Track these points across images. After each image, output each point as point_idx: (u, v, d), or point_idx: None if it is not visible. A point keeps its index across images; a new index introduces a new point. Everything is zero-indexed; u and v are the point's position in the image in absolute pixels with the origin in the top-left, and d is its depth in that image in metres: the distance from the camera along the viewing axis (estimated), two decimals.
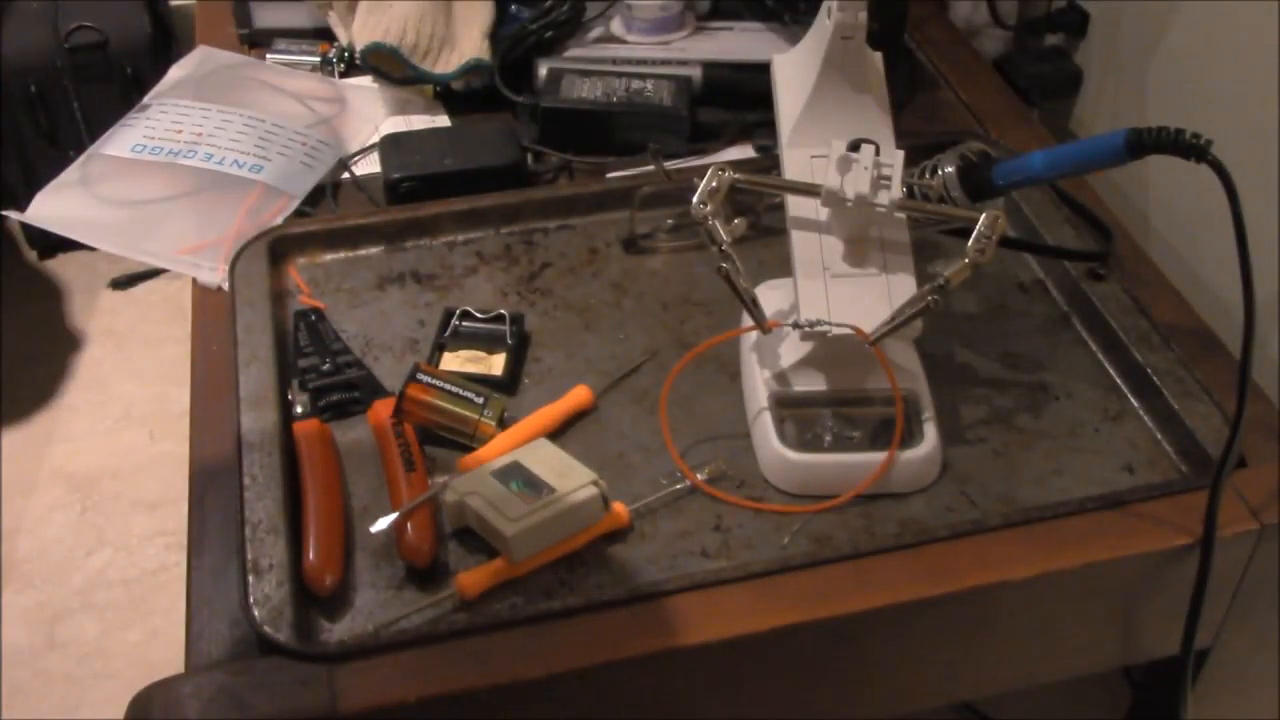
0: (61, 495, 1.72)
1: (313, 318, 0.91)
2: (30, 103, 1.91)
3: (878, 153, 0.80)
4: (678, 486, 0.80)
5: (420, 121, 1.13)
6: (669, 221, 1.01)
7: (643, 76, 1.11)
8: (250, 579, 0.72)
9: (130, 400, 1.86)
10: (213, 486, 0.80)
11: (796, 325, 0.79)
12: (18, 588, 1.59)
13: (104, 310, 2.01)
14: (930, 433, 0.80)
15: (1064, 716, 1.15)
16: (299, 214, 1.02)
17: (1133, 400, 0.87)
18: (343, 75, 1.19)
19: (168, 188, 1.03)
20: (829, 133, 0.82)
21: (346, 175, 1.07)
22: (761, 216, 1.00)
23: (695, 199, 0.78)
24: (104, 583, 1.60)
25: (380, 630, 0.72)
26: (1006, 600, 0.75)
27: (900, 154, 0.81)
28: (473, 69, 1.12)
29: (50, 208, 1.02)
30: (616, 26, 1.19)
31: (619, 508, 0.77)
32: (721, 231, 0.78)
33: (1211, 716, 0.88)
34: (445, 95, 1.16)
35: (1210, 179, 0.74)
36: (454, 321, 0.90)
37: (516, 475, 0.77)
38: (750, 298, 0.79)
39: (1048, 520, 0.76)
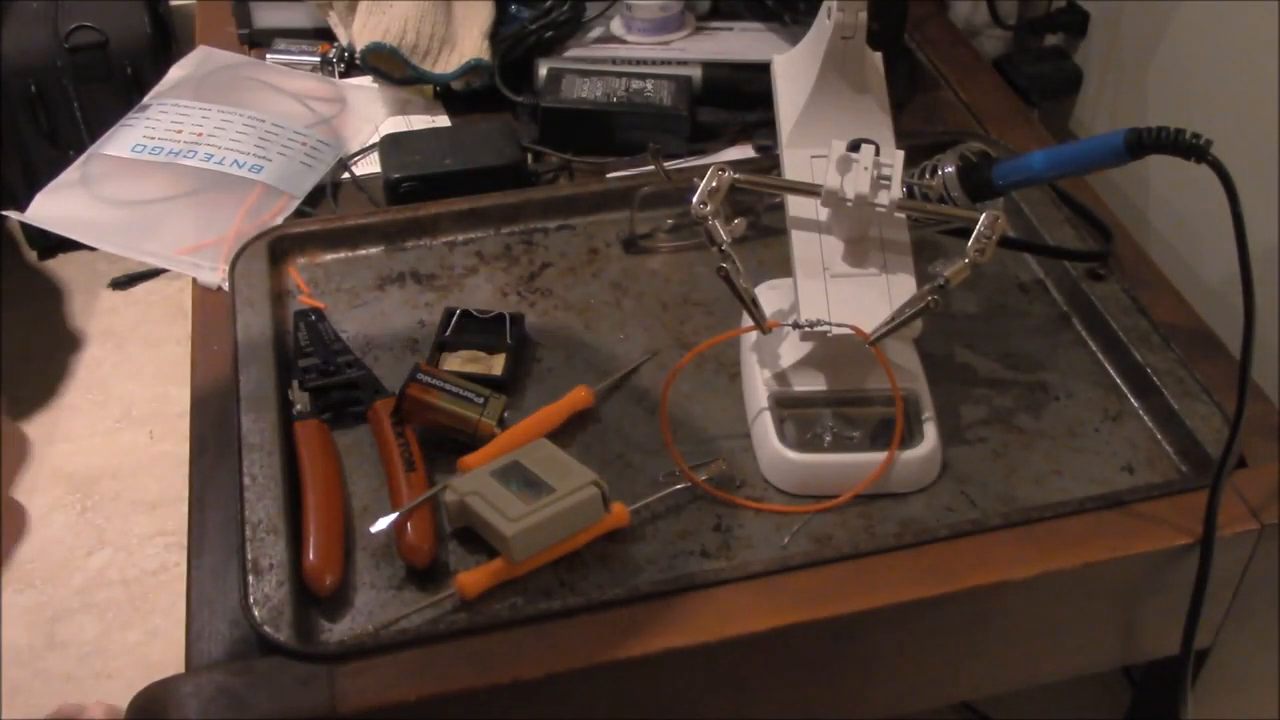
0: (61, 495, 1.71)
1: (313, 318, 0.91)
2: (30, 103, 1.91)
3: (878, 153, 0.80)
4: (678, 486, 0.80)
5: (420, 121, 1.13)
6: (669, 221, 1.01)
7: (643, 76, 1.11)
8: (250, 579, 0.72)
9: (130, 400, 1.86)
10: (213, 486, 0.80)
11: (796, 325, 0.79)
12: (18, 588, 1.59)
13: (104, 310, 2.01)
14: (930, 433, 0.80)
15: (1064, 716, 1.15)
16: (299, 214, 1.02)
17: (1133, 400, 0.87)
18: (343, 75, 1.19)
19: (168, 188, 1.03)
20: (829, 133, 0.82)
21: (346, 175, 1.07)
22: (761, 216, 1.00)
23: (695, 199, 0.78)
24: (104, 583, 1.60)
25: (380, 630, 0.72)
26: (1006, 600, 0.75)
27: (900, 154, 0.81)
28: (473, 69, 1.12)
29: (50, 208, 1.02)
30: (616, 26, 1.19)
31: (619, 508, 0.77)
32: (721, 231, 0.78)
33: (1211, 716, 0.88)
34: (445, 95, 1.16)
35: (1210, 179, 0.73)
36: (454, 321, 0.90)
37: (516, 475, 0.77)
38: (750, 298, 0.79)
39: (1048, 520, 0.76)
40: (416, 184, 1.02)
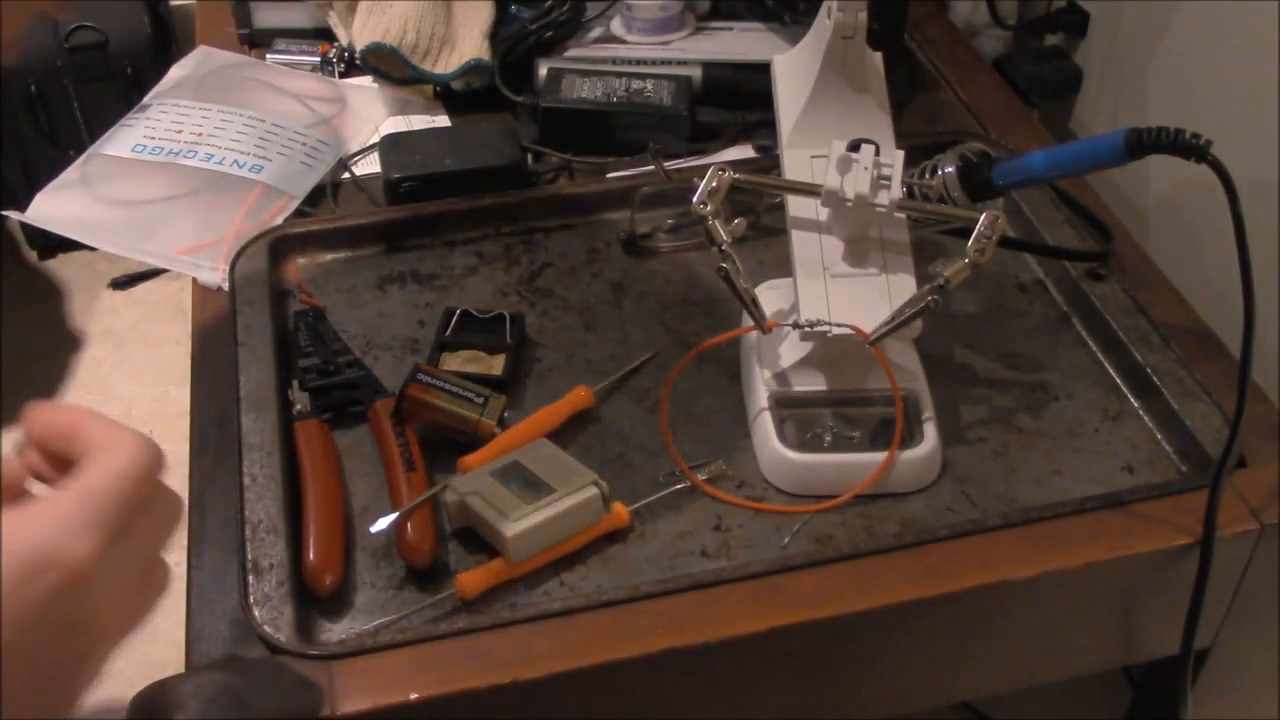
0: None
1: (313, 318, 0.91)
2: (30, 103, 1.91)
3: (878, 153, 0.80)
4: (678, 486, 0.80)
5: (420, 121, 1.13)
6: (669, 221, 1.01)
7: (643, 76, 1.11)
8: (250, 579, 0.72)
9: (130, 400, 1.86)
10: (213, 486, 0.80)
11: (796, 325, 0.79)
12: None
13: (104, 310, 2.01)
14: (930, 433, 0.80)
15: (1064, 716, 1.15)
16: (299, 214, 1.02)
17: (1133, 400, 0.87)
18: (343, 75, 1.19)
19: (168, 188, 1.03)
20: (829, 133, 0.82)
21: (346, 175, 1.07)
22: (761, 216, 1.00)
23: (695, 199, 0.78)
24: None
25: (380, 630, 0.72)
26: (1006, 600, 0.75)
27: (900, 154, 0.81)
28: (473, 69, 1.12)
29: (50, 208, 1.02)
30: (616, 26, 1.19)
31: (619, 508, 0.77)
32: (721, 231, 0.78)
33: (1211, 716, 0.88)
34: (445, 95, 1.16)
35: (1210, 179, 0.73)
36: (454, 321, 0.90)
37: (516, 475, 0.77)
38: (750, 298, 0.79)
39: (1048, 520, 0.76)
40: (416, 184, 1.02)
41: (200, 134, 1.07)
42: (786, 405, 0.82)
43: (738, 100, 1.11)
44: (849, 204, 0.79)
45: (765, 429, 0.81)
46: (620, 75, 1.11)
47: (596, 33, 1.19)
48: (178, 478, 0.57)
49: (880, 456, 0.79)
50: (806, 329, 0.79)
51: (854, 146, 0.80)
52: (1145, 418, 0.85)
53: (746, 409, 0.85)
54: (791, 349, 0.82)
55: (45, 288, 2.05)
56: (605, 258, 0.99)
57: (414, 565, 0.75)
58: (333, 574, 0.74)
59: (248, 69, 1.19)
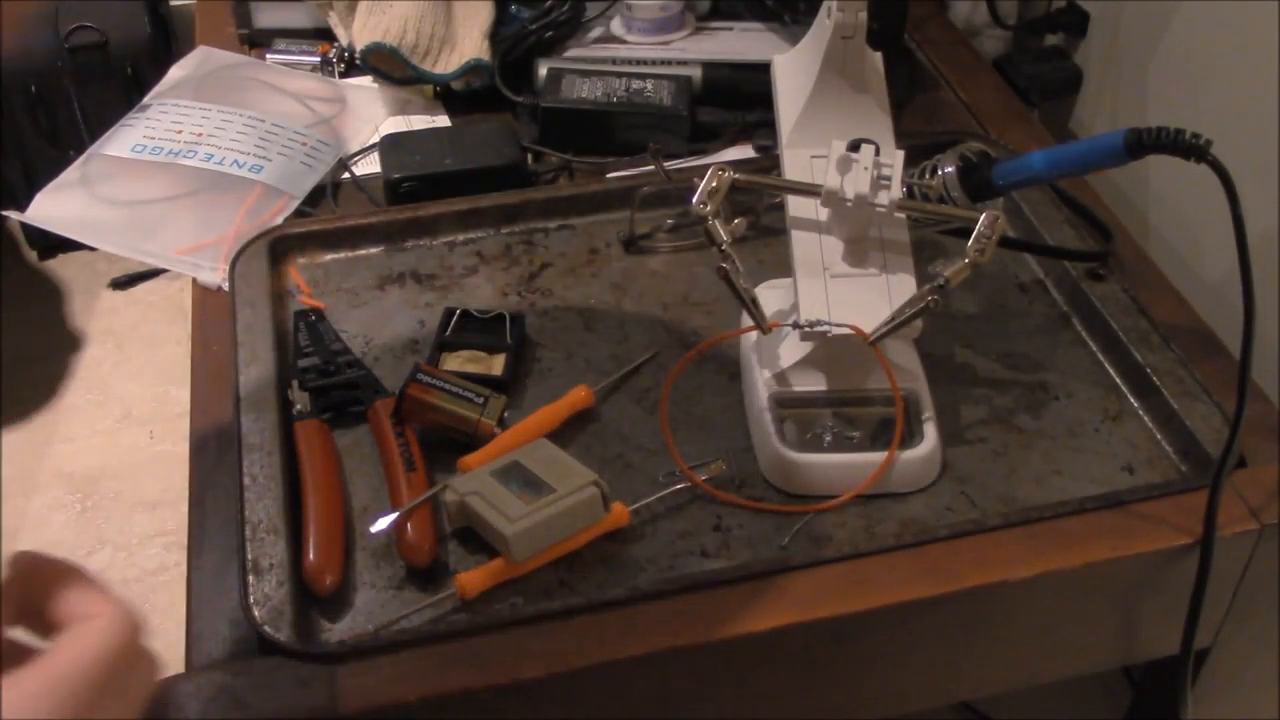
0: (61, 495, 1.72)
1: (313, 318, 0.91)
2: (30, 103, 1.91)
3: (878, 153, 0.80)
4: (678, 486, 0.80)
5: (420, 121, 1.13)
6: (669, 221, 1.01)
7: (643, 76, 1.11)
8: (250, 579, 0.72)
9: (130, 400, 1.86)
10: (213, 486, 0.80)
11: (796, 325, 0.79)
12: None
13: (104, 310, 2.02)
14: (930, 433, 0.80)
15: (1064, 717, 1.15)
16: (299, 214, 1.02)
17: (1133, 400, 0.87)
18: (343, 75, 1.19)
19: (168, 188, 1.03)
20: (829, 133, 0.82)
21: (346, 175, 1.07)
22: (761, 216, 1.00)
23: (695, 199, 0.78)
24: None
25: (380, 630, 0.72)
26: (1006, 600, 0.75)
27: (900, 154, 0.81)
28: (473, 69, 1.12)
29: (50, 208, 1.02)
30: (616, 26, 1.19)
31: (619, 508, 0.77)
32: (721, 231, 0.78)
33: (1211, 716, 0.88)
34: (445, 95, 1.16)
35: (1210, 179, 0.73)
36: (454, 321, 0.90)
37: (516, 475, 0.77)
38: (750, 298, 0.79)
39: (1048, 520, 0.76)
40: (416, 184, 1.02)
41: (200, 134, 1.07)
42: (786, 405, 0.82)
43: (738, 100, 1.12)
44: (849, 204, 0.79)
45: (765, 429, 0.81)
46: (620, 75, 1.11)
47: (596, 33, 1.19)
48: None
49: (880, 456, 0.79)
50: (806, 329, 0.79)
51: (854, 146, 0.80)
52: (1145, 418, 0.85)
53: (746, 409, 0.85)
54: (791, 349, 0.82)
55: (45, 288, 2.05)
56: (605, 258, 0.99)
57: (414, 565, 0.75)
58: (333, 574, 0.74)
59: (248, 69, 1.19)
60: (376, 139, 1.08)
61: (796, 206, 0.83)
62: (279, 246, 0.97)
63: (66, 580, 0.50)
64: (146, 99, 1.14)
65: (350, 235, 0.99)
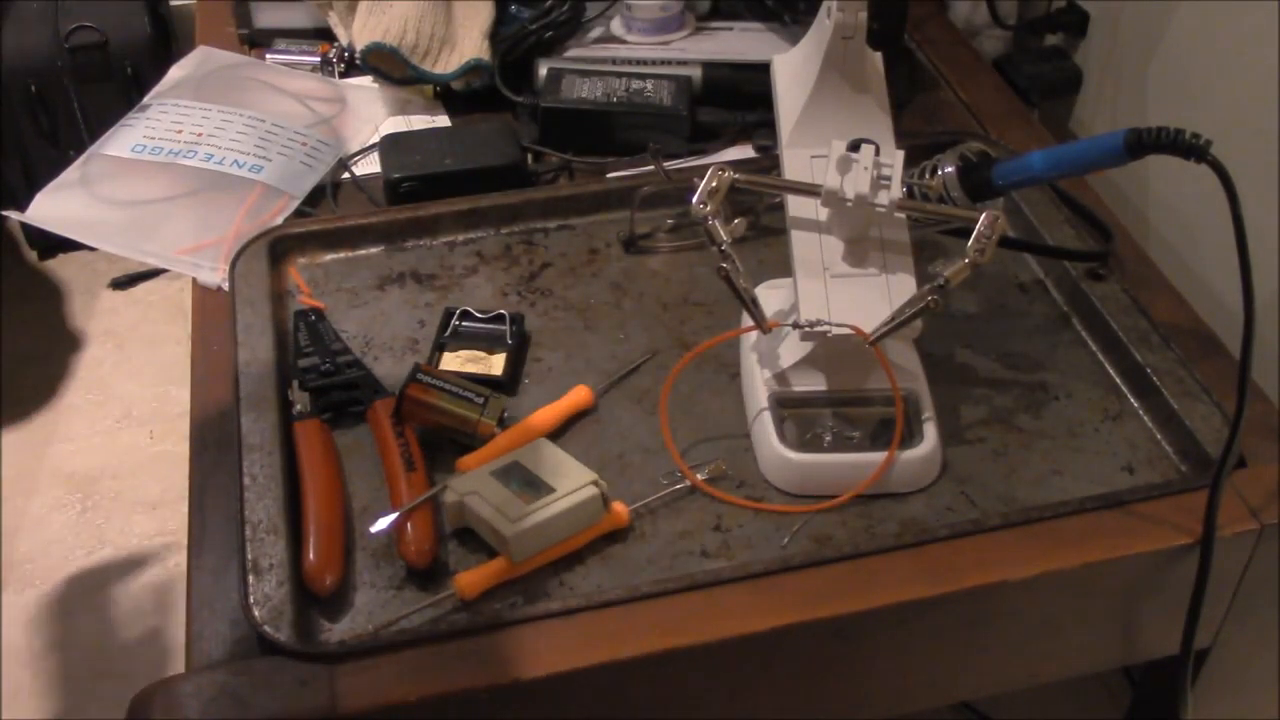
0: (61, 495, 1.71)
1: (313, 318, 0.91)
2: (30, 103, 1.91)
3: (878, 153, 0.80)
4: (678, 486, 0.80)
5: (420, 121, 1.13)
6: (669, 221, 1.01)
7: (643, 76, 1.11)
8: (250, 579, 0.72)
9: (130, 400, 1.86)
10: (213, 486, 0.80)
11: (796, 325, 0.79)
12: (17, 588, 1.59)
13: (104, 310, 2.01)
14: (930, 433, 0.80)
15: (1064, 716, 1.16)
16: (299, 214, 1.02)
17: (1133, 400, 0.87)
18: (343, 75, 1.19)
19: (168, 188, 1.03)
20: (829, 133, 0.82)
21: (346, 175, 1.07)
22: (761, 216, 1.00)
23: (695, 199, 0.78)
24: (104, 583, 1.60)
25: (380, 630, 0.72)
26: (1006, 600, 0.75)
27: (900, 154, 0.81)
28: (473, 69, 1.12)
29: (50, 208, 1.02)
30: (616, 26, 1.19)
31: (619, 508, 0.77)
32: (721, 231, 0.78)
33: (1211, 716, 0.88)
34: (445, 95, 1.16)
35: (1210, 179, 0.73)
36: (454, 321, 0.90)
37: (516, 475, 0.77)
38: (750, 298, 0.79)
39: (1048, 520, 0.76)
40: (416, 184, 1.02)
41: (200, 134, 1.07)
42: (786, 405, 0.82)
43: (738, 100, 1.12)
44: (849, 204, 0.79)
45: (765, 429, 0.81)
46: (620, 75, 1.11)
47: (596, 33, 1.19)
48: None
49: (880, 456, 0.79)
50: (806, 329, 0.79)
51: (854, 146, 0.80)
52: (1145, 418, 0.85)
53: (746, 409, 0.85)
54: (791, 349, 0.82)
55: (45, 288, 2.05)
56: (605, 258, 0.99)
57: (414, 565, 0.75)
58: (333, 574, 0.74)
59: (248, 69, 1.19)
60: (376, 139, 1.08)
61: (796, 206, 0.83)
62: (279, 246, 0.97)
63: None
64: (146, 99, 1.14)
65: (350, 235, 0.99)
